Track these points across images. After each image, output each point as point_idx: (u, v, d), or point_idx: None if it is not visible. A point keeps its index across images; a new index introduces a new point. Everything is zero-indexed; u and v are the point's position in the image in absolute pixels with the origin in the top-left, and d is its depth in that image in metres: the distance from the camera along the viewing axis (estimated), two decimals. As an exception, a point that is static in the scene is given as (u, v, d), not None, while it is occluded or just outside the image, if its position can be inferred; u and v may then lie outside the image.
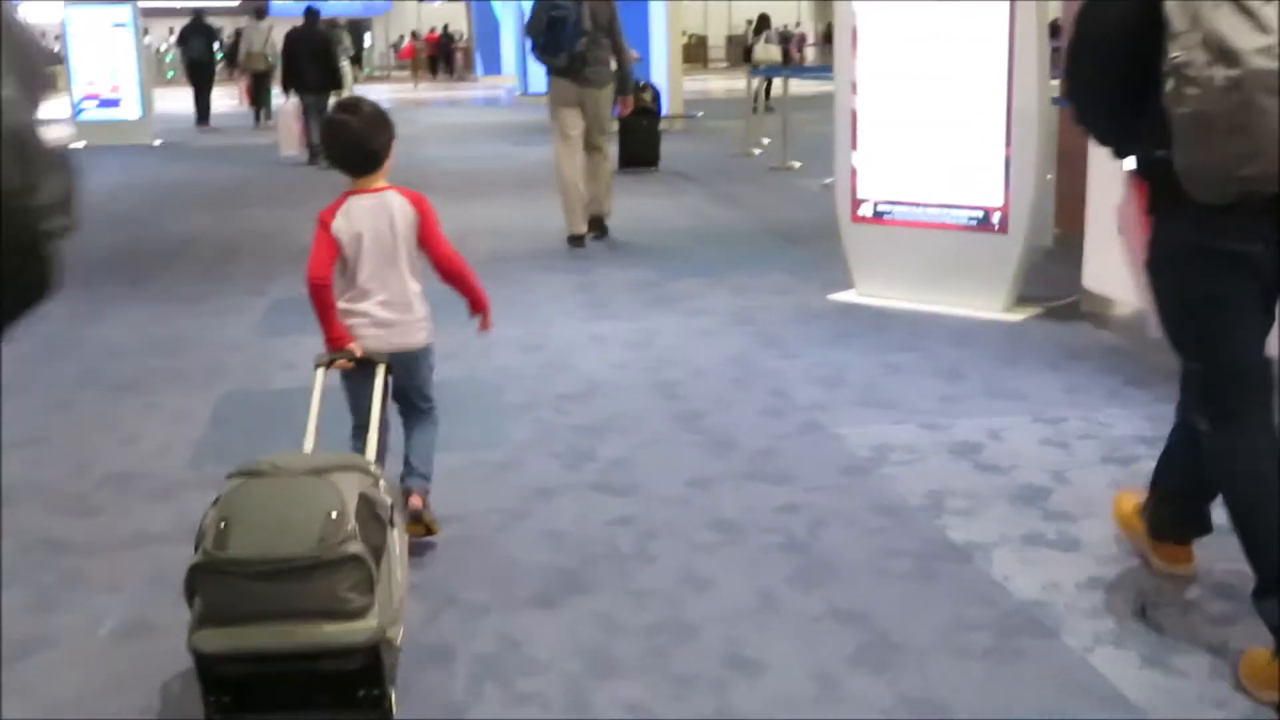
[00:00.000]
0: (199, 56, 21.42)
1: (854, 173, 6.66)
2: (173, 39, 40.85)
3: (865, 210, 6.69)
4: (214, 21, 22.16)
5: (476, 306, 3.63)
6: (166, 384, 5.42)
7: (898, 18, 6.37)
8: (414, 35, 44.52)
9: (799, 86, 15.68)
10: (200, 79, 21.69)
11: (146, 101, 18.56)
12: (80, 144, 17.95)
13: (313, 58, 14.48)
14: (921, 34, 6.29)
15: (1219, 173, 2.54)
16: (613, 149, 14.13)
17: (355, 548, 2.52)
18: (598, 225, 8.85)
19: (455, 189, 12.06)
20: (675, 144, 14.38)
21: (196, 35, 21.46)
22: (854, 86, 6.56)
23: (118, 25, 18.39)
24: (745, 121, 15.33)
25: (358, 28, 47.86)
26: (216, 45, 22.46)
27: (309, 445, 3.18)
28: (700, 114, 20.22)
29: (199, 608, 2.55)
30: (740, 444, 4.47)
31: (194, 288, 7.44)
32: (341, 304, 3.42)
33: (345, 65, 22.46)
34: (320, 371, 3.36)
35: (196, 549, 2.54)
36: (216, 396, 5.17)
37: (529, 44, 8.53)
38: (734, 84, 30.10)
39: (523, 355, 5.75)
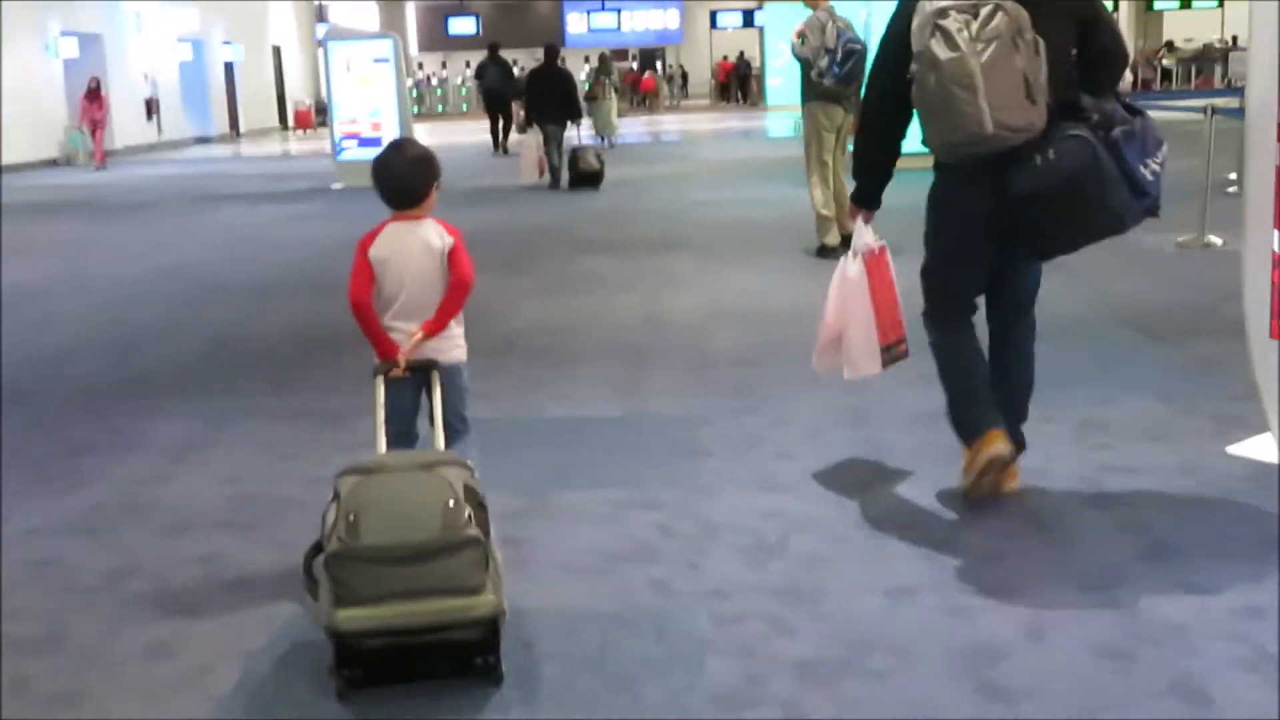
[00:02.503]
0: (494, 87, 22.17)
1: (1279, 261, 4.30)
2: (469, 71, 41.12)
3: (1294, 319, 4.36)
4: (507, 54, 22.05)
5: (430, 326, 3.55)
6: (212, 597, 3.61)
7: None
8: (651, 70, 43.08)
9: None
10: (495, 109, 22.45)
11: (406, 140, 17.43)
12: (339, 185, 17.00)
13: (552, 92, 15.59)
14: None
15: (941, 141, 3.74)
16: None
17: (473, 531, 2.85)
18: (846, 241, 9.00)
19: (712, 248, 10.08)
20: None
21: (492, 66, 22.20)
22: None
23: (379, 61, 17.31)
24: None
25: (650, 58, 47.03)
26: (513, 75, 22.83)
27: (381, 450, 3.32)
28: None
29: (332, 591, 2.83)
30: None
31: (347, 400, 5.63)
32: (384, 322, 3.55)
33: (612, 98, 22.47)
34: (379, 380, 3.47)
35: (328, 540, 2.87)
36: (270, 632, 3.32)
37: (812, 68, 8.85)
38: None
39: (750, 564, 3.67)
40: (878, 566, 3.61)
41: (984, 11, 3.58)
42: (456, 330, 3.64)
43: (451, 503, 2.83)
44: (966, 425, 4.00)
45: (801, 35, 8.83)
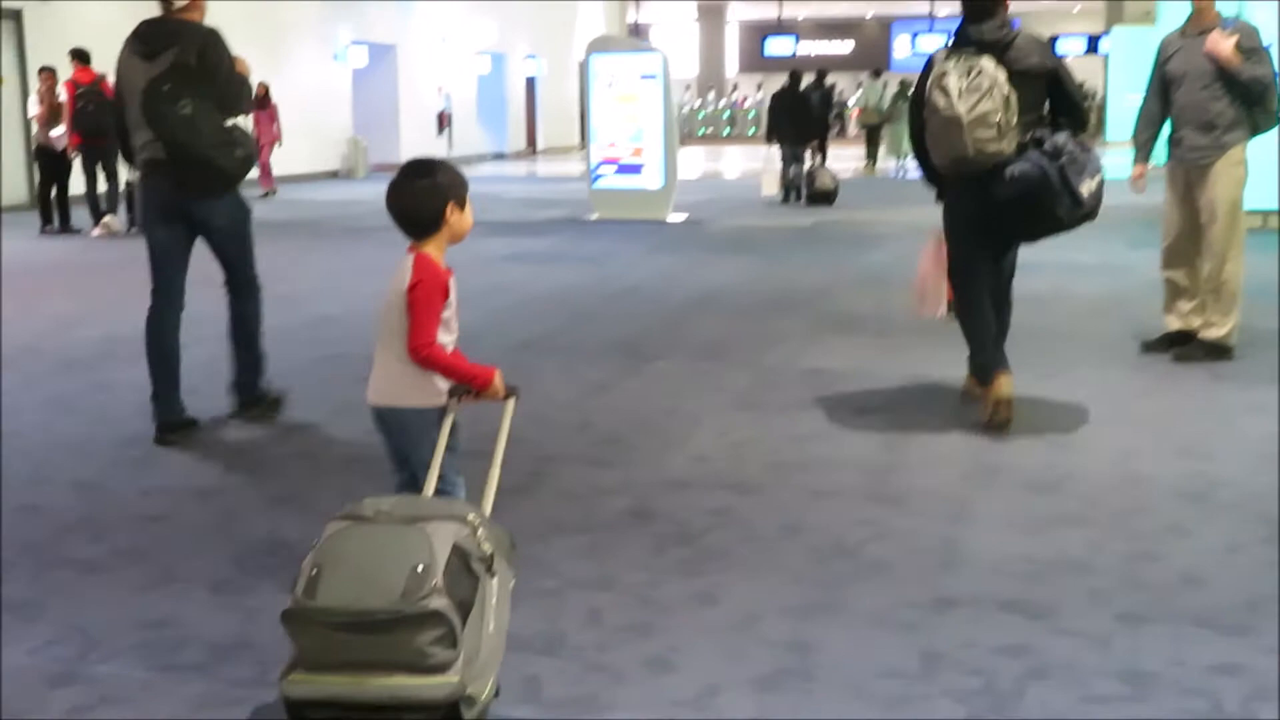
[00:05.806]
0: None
1: None
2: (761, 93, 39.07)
3: None
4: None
5: (478, 385, 3.26)
6: None
7: None
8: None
9: None
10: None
11: (670, 169, 15.23)
12: (593, 215, 15.03)
13: (790, 113, 17.19)
14: None
15: (944, 162, 5.19)
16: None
17: (438, 603, 2.48)
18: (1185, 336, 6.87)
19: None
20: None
21: (813, 93, 21.78)
22: None
23: (646, 77, 15.22)
24: None
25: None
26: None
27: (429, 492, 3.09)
28: None
29: (293, 651, 2.55)
30: None
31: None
32: None
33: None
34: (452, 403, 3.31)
35: (292, 591, 2.54)
36: None
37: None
38: None
39: None
40: None
41: (971, 73, 5.05)
42: (407, 371, 3.21)
43: (421, 567, 2.46)
44: (985, 369, 5.37)
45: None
